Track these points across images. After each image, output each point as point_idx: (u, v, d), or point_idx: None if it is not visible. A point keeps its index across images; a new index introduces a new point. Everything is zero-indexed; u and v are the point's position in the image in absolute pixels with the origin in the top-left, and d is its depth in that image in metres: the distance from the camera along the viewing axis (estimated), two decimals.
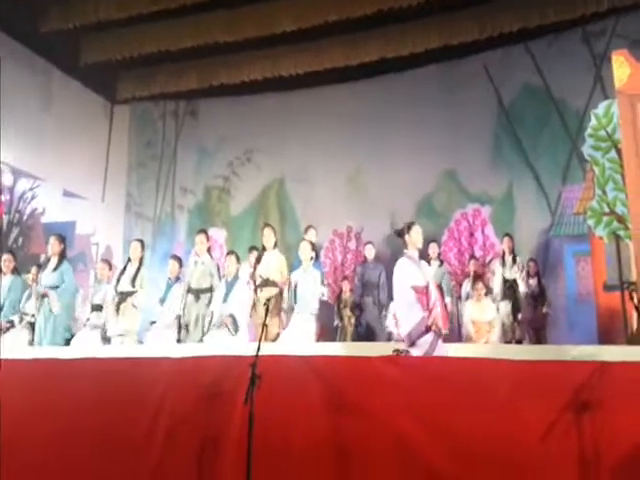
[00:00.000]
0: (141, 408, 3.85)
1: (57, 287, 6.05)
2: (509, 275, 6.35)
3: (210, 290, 5.98)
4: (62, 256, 6.08)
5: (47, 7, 8.70)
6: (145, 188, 11.11)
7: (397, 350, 3.94)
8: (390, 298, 6.89)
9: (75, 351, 5.34)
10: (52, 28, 8.78)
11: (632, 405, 2.90)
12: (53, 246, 6.00)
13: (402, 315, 4.01)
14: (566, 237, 7.62)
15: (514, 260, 6.46)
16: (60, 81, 9.90)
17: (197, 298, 6.01)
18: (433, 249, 7.17)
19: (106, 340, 6.15)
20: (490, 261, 7.13)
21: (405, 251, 4.22)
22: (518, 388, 3.10)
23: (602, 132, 5.09)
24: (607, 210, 4.92)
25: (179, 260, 6.52)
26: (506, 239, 6.77)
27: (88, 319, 6.33)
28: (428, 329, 3.89)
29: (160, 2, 8.31)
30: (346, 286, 7.27)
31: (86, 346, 5.86)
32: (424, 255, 5.06)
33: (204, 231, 6.45)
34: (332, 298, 7.80)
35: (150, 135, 11.33)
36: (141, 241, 6.53)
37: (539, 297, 6.49)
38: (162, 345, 5.66)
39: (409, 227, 4.24)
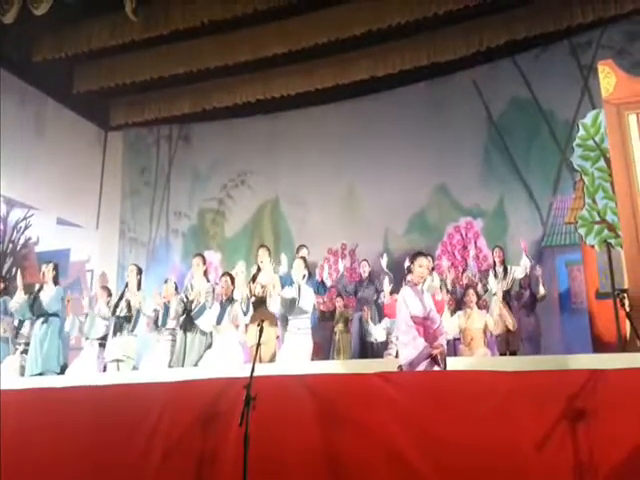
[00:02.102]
0: (137, 432, 3.83)
1: (52, 314, 6.04)
2: (501, 287, 6.34)
3: (205, 313, 5.96)
4: (55, 283, 6.08)
5: (40, 37, 8.82)
6: (139, 214, 11.14)
7: (400, 366, 3.93)
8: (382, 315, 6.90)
9: (71, 378, 5.31)
10: (45, 58, 8.90)
11: (627, 412, 2.89)
12: (46, 274, 6.01)
13: (402, 344, 3.99)
14: (558, 247, 7.64)
15: (505, 271, 6.45)
16: (53, 110, 10.00)
17: (192, 321, 5.99)
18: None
19: (102, 366, 6.12)
20: (483, 273, 7.13)
21: (408, 279, 4.18)
22: (512, 399, 3.08)
23: (590, 142, 5.12)
24: (598, 219, 4.92)
25: (174, 284, 6.51)
26: (496, 250, 6.77)
27: (83, 346, 6.30)
28: (428, 357, 3.87)
29: (152, 29, 8.42)
30: (340, 302, 7.27)
31: (82, 372, 5.82)
32: None
33: (200, 254, 6.47)
34: (327, 315, 7.78)
35: (144, 161, 11.41)
36: (137, 265, 6.55)
37: (532, 308, 6.47)
38: (158, 369, 5.62)
39: (413, 258, 4.14)
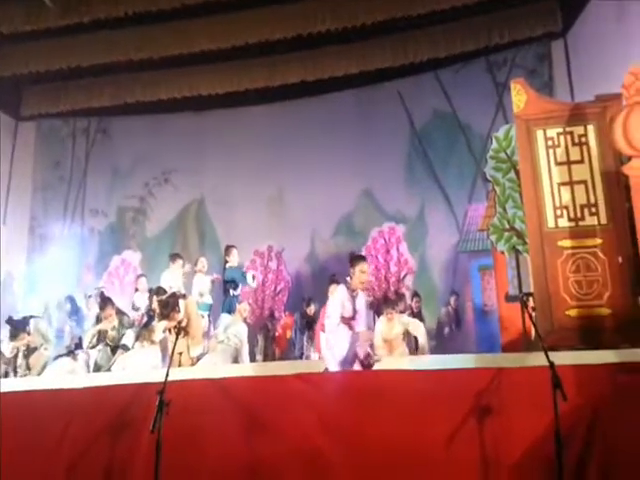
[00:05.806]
0: (44, 438, 3.63)
1: None
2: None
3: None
4: None
5: None
6: (51, 209, 10.53)
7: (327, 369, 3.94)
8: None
9: None
10: None
11: (528, 407, 3.08)
12: None
13: (333, 343, 4.02)
14: (472, 252, 8.07)
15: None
16: None
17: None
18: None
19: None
20: (404, 277, 7.36)
21: (348, 280, 4.18)
22: (424, 396, 3.21)
23: (502, 154, 5.41)
24: (507, 226, 5.22)
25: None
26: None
27: None
28: (355, 358, 3.92)
29: (71, 16, 7.99)
30: (266, 307, 7.24)
31: None
32: None
33: None
34: (252, 318, 7.71)
35: (58, 154, 10.80)
36: None
37: (456, 316, 6.72)
38: (68, 375, 5.32)
39: (354, 262, 4.16)
